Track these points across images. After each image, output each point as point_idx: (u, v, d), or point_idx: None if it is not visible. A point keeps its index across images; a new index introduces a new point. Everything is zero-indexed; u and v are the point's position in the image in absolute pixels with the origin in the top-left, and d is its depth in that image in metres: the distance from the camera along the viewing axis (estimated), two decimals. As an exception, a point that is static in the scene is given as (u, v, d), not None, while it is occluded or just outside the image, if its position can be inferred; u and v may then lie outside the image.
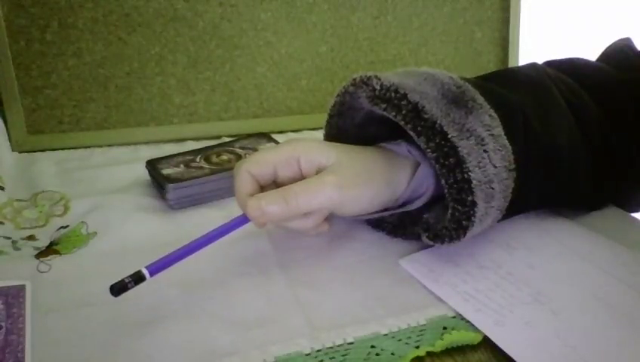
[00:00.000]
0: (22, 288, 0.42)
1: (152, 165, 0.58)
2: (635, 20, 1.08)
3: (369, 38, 0.78)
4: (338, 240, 0.49)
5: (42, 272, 0.45)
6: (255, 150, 0.61)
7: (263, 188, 0.44)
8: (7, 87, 0.66)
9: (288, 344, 0.38)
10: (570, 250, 0.47)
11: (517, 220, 0.51)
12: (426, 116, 0.42)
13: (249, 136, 0.65)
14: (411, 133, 0.43)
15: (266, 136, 0.65)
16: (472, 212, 0.41)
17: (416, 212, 0.47)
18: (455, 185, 0.41)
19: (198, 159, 0.59)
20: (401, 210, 0.47)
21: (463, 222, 0.42)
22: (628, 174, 0.52)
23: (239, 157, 0.59)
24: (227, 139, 0.67)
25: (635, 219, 0.53)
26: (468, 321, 0.39)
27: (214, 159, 0.59)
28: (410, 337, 0.38)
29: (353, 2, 0.76)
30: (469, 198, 0.41)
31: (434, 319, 0.40)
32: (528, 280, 0.43)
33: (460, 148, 0.41)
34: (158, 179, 0.55)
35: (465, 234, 0.42)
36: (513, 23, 0.83)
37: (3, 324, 0.38)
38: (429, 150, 0.42)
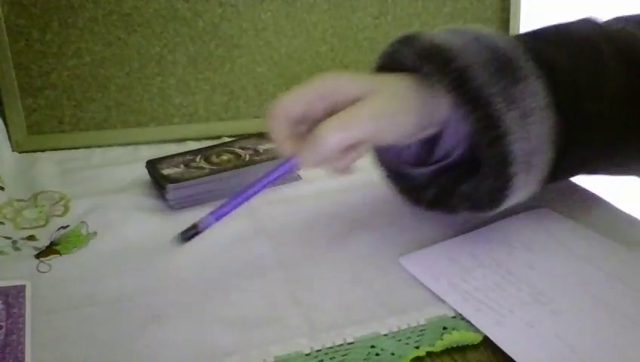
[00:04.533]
0: (22, 288, 0.42)
1: (152, 165, 0.58)
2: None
3: (369, 38, 0.78)
4: (338, 240, 0.49)
5: (42, 272, 0.45)
6: (255, 150, 0.61)
7: (297, 124, 0.43)
8: (7, 87, 0.66)
9: (288, 344, 0.38)
10: (570, 250, 0.47)
11: (517, 220, 0.51)
12: (473, 84, 0.40)
13: (249, 136, 0.65)
14: (455, 101, 0.41)
15: (266, 136, 0.65)
16: (510, 183, 0.41)
17: (452, 184, 0.47)
18: (496, 157, 0.41)
19: (198, 159, 0.59)
20: (438, 165, 0.47)
21: (501, 192, 0.42)
22: None
23: (239, 157, 0.59)
24: (227, 139, 0.67)
25: (635, 218, 0.53)
26: (468, 321, 0.39)
27: (214, 159, 0.59)
28: (410, 337, 0.38)
29: (353, 2, 0.76)
30: (509, 170, 0.41)
31: (434, 319, 0.40)
32: (528, 280, 0.43)
33: (504, 121, 0.40)
34: (158, 179, 0.55)
35: (502, 203, 0.42)
36: (513, 23, 0.83)
37: (3, 324, 0.38)
38: (472, 119, 0.41)
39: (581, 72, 0.46)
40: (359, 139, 0.41)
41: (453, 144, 0.47)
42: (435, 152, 0.48)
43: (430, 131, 0.46)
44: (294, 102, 0.43)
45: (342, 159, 0.43)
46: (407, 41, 0.44)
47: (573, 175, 0.51)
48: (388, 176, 0.52)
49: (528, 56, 0.44)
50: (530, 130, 0.41)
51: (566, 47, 0.47)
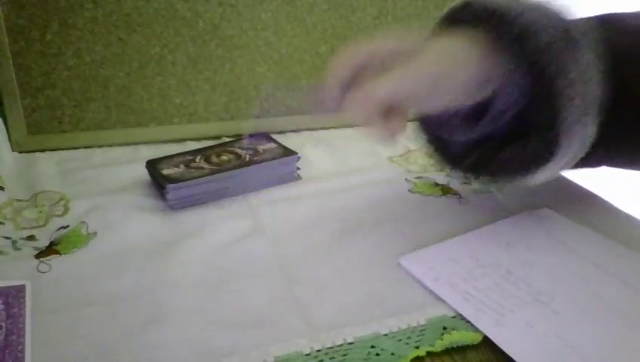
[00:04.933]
0: (22, 288, 0.42)
1: (152, 165, 0.58)
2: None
3: (369, 38, 0.78)
4: (338, 240, 0.49)
5: (42, 272, 0.45)
6: (255, 150, 0.61)
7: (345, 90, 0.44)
8: (7, 87, 0.66)
9: (288, 344, 0.38)
10: (570, 250, 0.47)
11: (517, 220, 0.51)
12: (531, 44, 0.41)
13: (249, 136, 0.65)
14: (511, 60, 0.42)
15: (266, 136, 0.65)
16: (553, 148, 0.42)
17: (491, 152, 0.47)
18: (540, 123, 0.42)
19: (198, 159, 0.59)
20: (484, 128, 0.47)
21: (539, 159, 0.43)
22: None
23: (239, 157, 0.59)
24: (227, 139, 0.67)
25: (635, 218, 0.53)
26: (468, 321, 0.39)
27: (214, 159, 0.59)
28: (410, 337, 0.38)
29: (353, 2, 0.76)
30: (554, 134, 0.42)
31: (434, 319, 0.40)
32: (528, 280, 0.43)
33: (554, 87, 0.41)
34: (158, 179, 0.55)
35: (540, 170, 0.43)
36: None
37: (3, 324, 0.38)
38: (527, 80, 0.42)
39: (635, 56, 0.46)
40: (407, 94, 0.41)
41: (503, 109, 0.47)
42: (485, 117, 0.48)
43: (480, 94, 0.45)
44: (350, 58, 0.43)
45: (386, 124, 0.42)
46: (465, 5, 0.44)
47: (603, 163, 0.51)
48: (429, 141, 0.53)
49: (585, 29, 0.44)
50: (579, 95, 0.42)
51: (623, 31, 0.48)
